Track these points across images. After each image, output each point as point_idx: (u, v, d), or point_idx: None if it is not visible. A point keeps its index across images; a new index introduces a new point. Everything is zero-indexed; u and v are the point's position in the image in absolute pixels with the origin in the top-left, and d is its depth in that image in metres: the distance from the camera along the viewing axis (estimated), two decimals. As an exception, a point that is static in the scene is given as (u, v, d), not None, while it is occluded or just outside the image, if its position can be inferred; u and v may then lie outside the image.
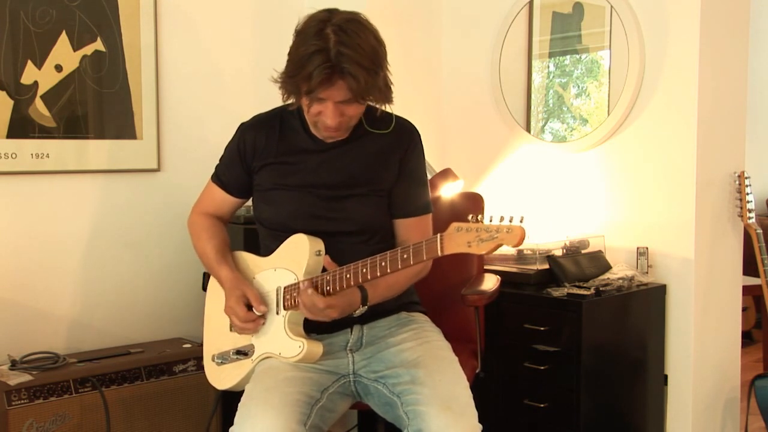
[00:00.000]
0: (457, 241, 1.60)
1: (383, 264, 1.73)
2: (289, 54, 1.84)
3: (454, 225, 1.61)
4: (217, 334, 2.06)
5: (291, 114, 2.03)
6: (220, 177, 2.10)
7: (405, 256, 1.70)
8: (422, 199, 2.07)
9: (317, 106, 1.84)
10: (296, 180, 1.98)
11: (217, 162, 2.12)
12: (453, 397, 1.76)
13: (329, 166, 1.98)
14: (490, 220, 1.57)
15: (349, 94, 1.80)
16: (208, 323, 2.13)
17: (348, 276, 1.78)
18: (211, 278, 2.12)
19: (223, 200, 2.11)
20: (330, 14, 1.82)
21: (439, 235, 1.63)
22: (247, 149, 2.03)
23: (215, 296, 2.09)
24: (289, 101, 1.93)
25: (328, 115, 1.84)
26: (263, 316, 1.94)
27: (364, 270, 1.76)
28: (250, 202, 2.15)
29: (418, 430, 1.73)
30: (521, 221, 1.55)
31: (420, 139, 2.07)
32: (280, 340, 1.90)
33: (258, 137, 2.02)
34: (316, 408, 1.81)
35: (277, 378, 1.82)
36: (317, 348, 1.88)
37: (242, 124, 2.08)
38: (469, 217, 1.60)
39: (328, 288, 1.81)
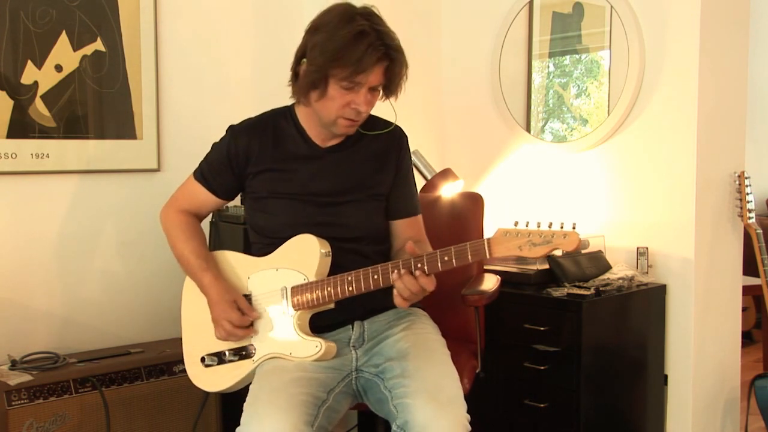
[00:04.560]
0: (506, 245, 1.66)
1: (419, 265, 1.77)
2: (319, 44, 1.83)
3: (501, 230, 1.67)
4: (204, 335, 2.02)
5: (284, 119, 2.04)
6: (206, 177, 2.07)
7: (446, 258, 1.74)
8: (415, 199, 2.12)
9: (348, 95, 1.86)
10: (293, 188, 1.98)
11: (203, 159, 2.09)
12: (440, 388, 1.77)
13: (326, 173, 1.99)
14: (538, 226, 1.64)
15: (384, 77, 1.87)
16: (189, 325, 2.10)
17: (419, 265, 1.79)
18: (187, 280, 2.09)
19: (206, 200, 2.09)
20: (351, 6, 1.88)
21: (485, 238, 1.69)
22: (239, 155, 2.01)
23: (193, 297, 2.05)
24: (301, 100, 1.94)
25: (361, 102, 1.87)
26: (253, 325, 1.94)
27: (419, 263, 1.78)
28: (237, 202, 2.14)
29: (404, 422, 1.74)
30: (573, 228, 1.61)
31: (408, 142, 2.11)
32: (291, 341, 1.89)
33: (251, 143, 2.01)
34: (323, 409, 1.81)
35: (283, 379, 1.82)
36: (332, 346, 1.89)
37: (232, 127, 2.06)
38: (514, 223, 1.67)
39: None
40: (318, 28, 1.86)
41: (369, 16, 1.85)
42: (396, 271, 1.79)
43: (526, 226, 1.65)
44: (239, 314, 1.92)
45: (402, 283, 1.78)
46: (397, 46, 1.86)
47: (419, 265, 1.77)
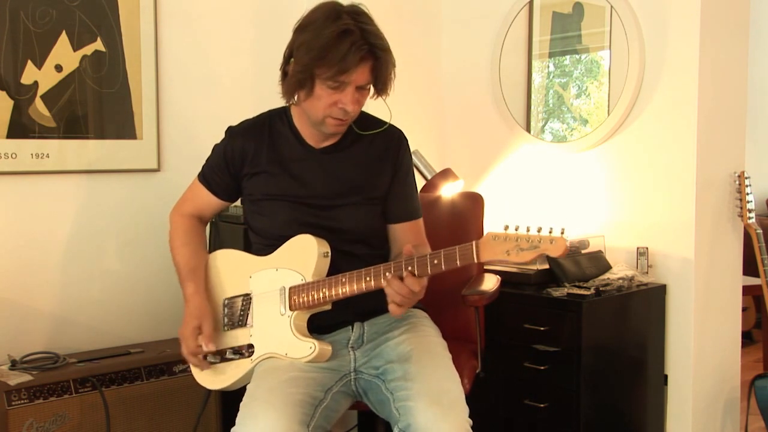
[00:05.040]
0: (494, 249, 1.64)
1: (409, 268, 1.75)
2: (305, 43, 1.83)
3: (490, 234, 1.65)
4: None
5: (280, 120, 2.03)
6: (207, 179, 2.09)
7: (435, 261, 1.72)
8: (416, 203, 2.09)
9: (336, 94, 1.84)
10: (288, 190, 1.98)
11: (205, 162, 2.11)
12: (443, 392, 1.76)
13: (322, 175, 1.98)
14: (527, 230, 1.62)
15: (371, 75, 1.85)
16: None
17: (410, 267, 1.77)
18: None
19: (209, 201, 2.10)
20: (338, 4, 1.86)
21: (474, 242, 1.67)
22: (235, 156, 2.02)
23: None
24: (289, 100, 1.93)
25: (348, 101, 1.84)
26: (207, 357, 1.96)
27: (409, 266, 1.77)
28: (238, 201, 2.14)
29: (407, 425, 1.73)
30: (562, 233, 1.59)
31: (408, 145, 2.08)
32: (287, 341, 1.89)
33: (247, 145, 2.01)
34: (320, 408, 1.81)
35: (280, 378, 1.82)
36: (327, 348, 1.89)
37: (230, 129, 2.07)
38: (504, 228, 1.65)
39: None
40: (305, 27, 1.86)
41: (356, 14, 1.83)
42: (387, 274, 1.78)
43: (516, 230, 1.64)
44: (195, 344, 1.94)
45: (391, 288, 1.77)
46: (382, 44, 1.83)
47: (409, 268, 1.76)
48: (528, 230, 1.62)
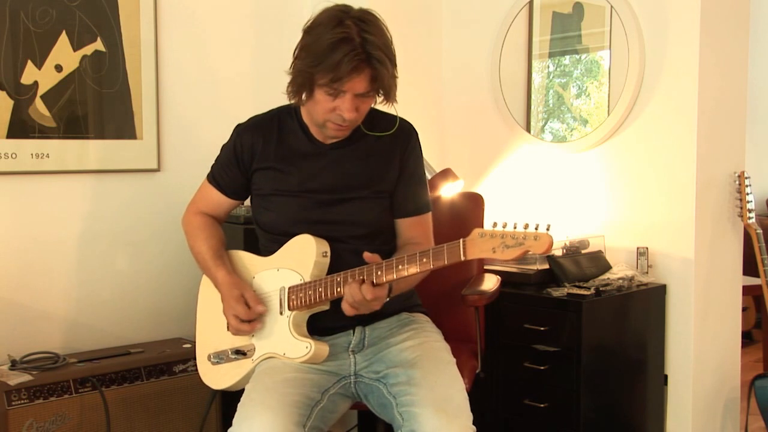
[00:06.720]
0: (480, 246, 1.62)
1: (400, 267, 1.74)
2: (306, 47, 1.82)
3: (477, 231, 1.63)
4: (213, 333, 2.06)
5: (289, 116, 2.03)
6: (216, 178, 2.09)
7: (424, 259, 1.71)
8: (423, 198, 2.08)
9: (334, 100, 1.83)
10: (296, 185, 1.97)
11: (213, 162, 2.12)
12: (447, 398, 1.76)
13: (330, 170, 1.98)
14: (514, 227, 1.60)
15: (371, 85, 1.81)
16: (202, 323, 2.13)
17: (379, 273, 1.77)
18: (204, 278, 2.11)
19: (219, 201, 2.10)
20: (346, 8, 1.84)
21: (461, 240, 1.65)
22: (244, 152, 2.02)
23: (208, 296, 2.09)
24: (294, 100, 1.92)
25: (346, 109, 1.83)
26: (261, 319, 1.94)
27: (378, 271, 1.77)
28: (248, 202, 2.15)
29: (411, 431, 1.73)
30: (547, 229, 1.56)
31: (418, 138, 2.07)
32: (285, 341, 1.90)
33: (255, 140, 2.01)
34: (316, 409, 1.81)
35: (276, 379, 1.82)
36: (324, 348, 1.88)
37: (239, 126, 2.08)
38: (493, 224, 1.63)
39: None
40: (310, 30, 1.84)
41: (360, 21, 1.79)
42: (355, 278, 1.77)
43: (504, 227, 1.61)
44: (245, 308, 1.92)
45: (348, 290, 1.77)
46: (380, 55, 1.78)
47: (401, 267, 1.74)
48: (515, 227, 1.60)
